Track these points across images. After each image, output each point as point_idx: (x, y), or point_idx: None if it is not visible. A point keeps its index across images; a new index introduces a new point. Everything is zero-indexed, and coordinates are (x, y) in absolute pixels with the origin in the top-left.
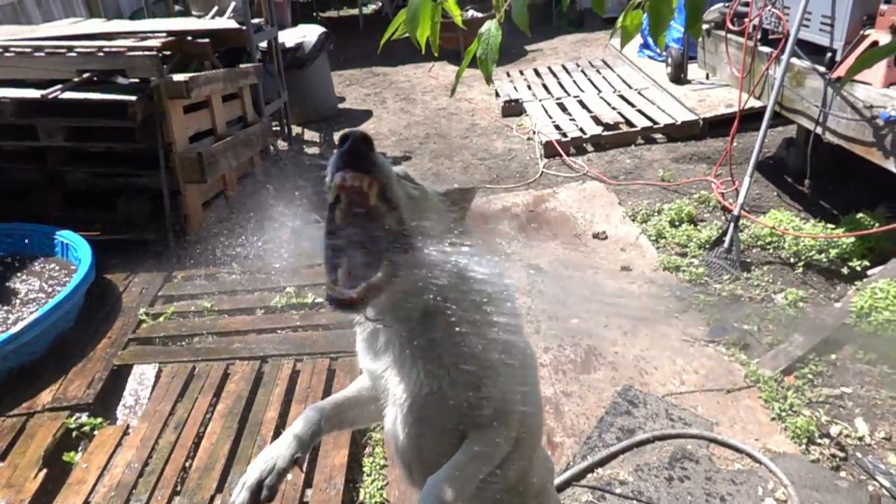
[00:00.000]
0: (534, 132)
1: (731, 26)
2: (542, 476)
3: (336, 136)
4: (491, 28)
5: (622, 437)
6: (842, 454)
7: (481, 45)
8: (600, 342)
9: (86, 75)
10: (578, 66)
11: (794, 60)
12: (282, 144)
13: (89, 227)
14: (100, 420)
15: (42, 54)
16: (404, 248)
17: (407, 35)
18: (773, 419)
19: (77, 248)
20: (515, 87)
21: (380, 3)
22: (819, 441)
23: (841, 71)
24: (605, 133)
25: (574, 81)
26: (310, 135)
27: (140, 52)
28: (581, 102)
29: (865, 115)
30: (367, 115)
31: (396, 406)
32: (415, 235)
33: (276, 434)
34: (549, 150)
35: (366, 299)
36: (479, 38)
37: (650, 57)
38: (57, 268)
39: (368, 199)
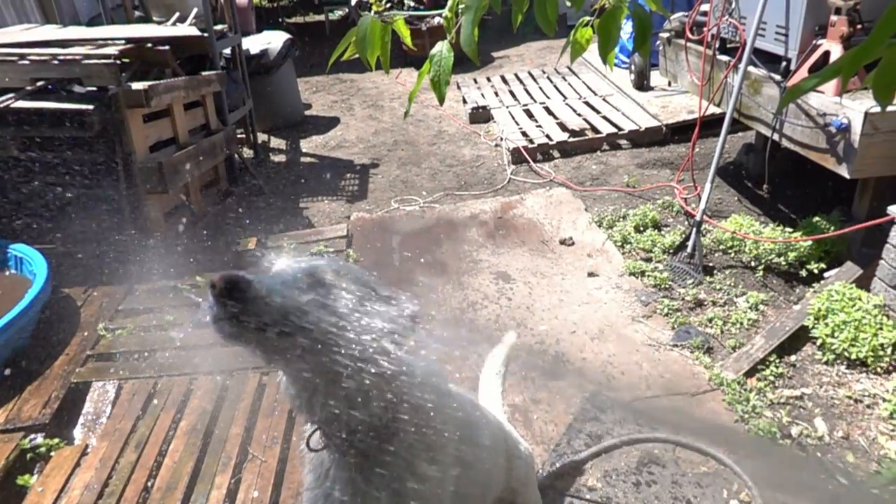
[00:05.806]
0: (501, 139)
1: (690, 35)
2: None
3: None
4: (443, 50)
5: (591, 444)
6: (802, 455)
7: (433, 66)
8: (568, 348)
9: (39, 84)
10: (544, 72)
11: (751, 69)
12: (247, 152)
13: (45, 240)
14: (56, 440)
15: None
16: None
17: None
18: (737, 421)
19: (32, 261)
20: (482, 94)
21: (346, 10)
22: (781, 442)
23: (796, 79)
24: (572, 139)
25: (540, 88)
26: (276, 142)
27: (97, 60)
28: (547, 109)
29: (819, 122)
30: (334, 122)
31: None
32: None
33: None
34: (517, 157)
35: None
36: (430, 60)
37: (614, 64)
38: (10, 283)
39: None
